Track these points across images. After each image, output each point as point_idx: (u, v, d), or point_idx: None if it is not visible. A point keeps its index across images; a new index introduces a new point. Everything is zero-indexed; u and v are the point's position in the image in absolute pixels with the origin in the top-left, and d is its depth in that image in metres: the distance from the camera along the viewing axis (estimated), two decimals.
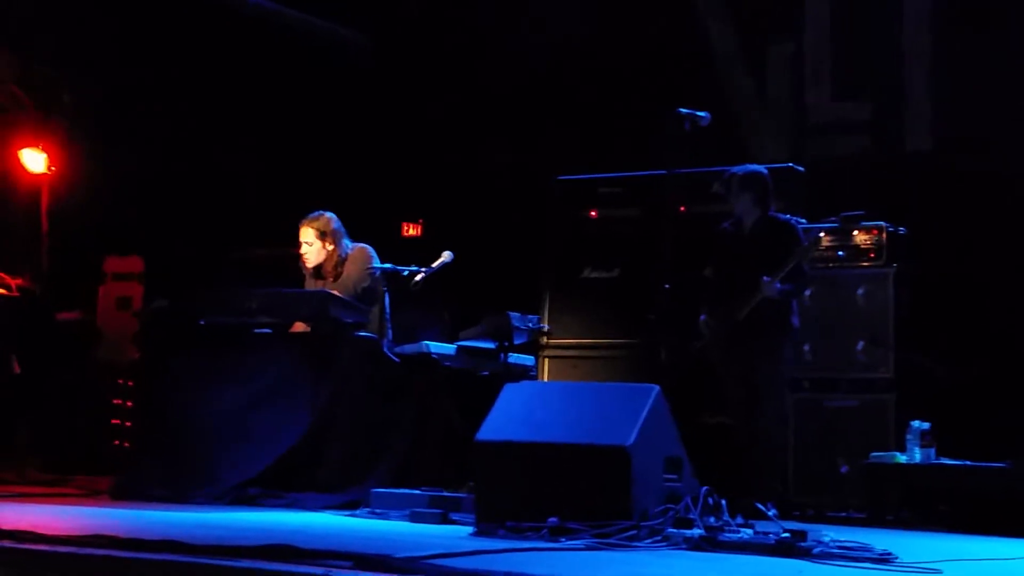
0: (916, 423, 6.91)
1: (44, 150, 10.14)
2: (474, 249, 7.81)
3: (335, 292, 7.14)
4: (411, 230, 9.72)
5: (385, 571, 3.85)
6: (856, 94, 9.03)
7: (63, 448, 9.19)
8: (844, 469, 7.35)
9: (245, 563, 3.96)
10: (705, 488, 5.27)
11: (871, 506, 6.98)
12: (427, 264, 7.17)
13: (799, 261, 6.88)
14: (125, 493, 6.81)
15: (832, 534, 5.01)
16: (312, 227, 7.42)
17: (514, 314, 7.07)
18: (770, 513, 5.71)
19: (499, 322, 7.03)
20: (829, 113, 9.11)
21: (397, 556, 4.03)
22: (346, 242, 7.47)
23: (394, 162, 10.11)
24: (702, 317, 7.13)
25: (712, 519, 5.17)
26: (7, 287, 9.15)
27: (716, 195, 7.36)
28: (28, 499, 6.53)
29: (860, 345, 7.45)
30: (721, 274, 7.14)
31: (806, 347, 7.52)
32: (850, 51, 9.07)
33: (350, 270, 7.41)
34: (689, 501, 5.16)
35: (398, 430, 6.89)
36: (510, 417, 5.58)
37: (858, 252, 7.54)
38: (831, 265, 7.52)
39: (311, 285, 7.48)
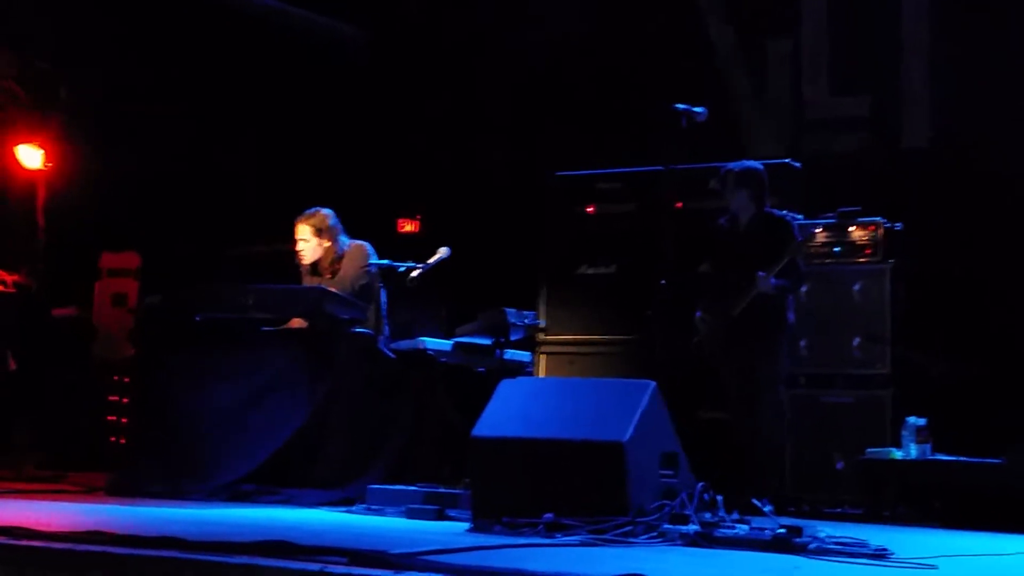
0: (912, 419, 6.92)
1: (41, 146, 10.13)
2: (471, 245, 7.80)
3: (332, 288, 7.13)
4: (408, 226, 9.72)
5: (381, 567, 3.84)
6: (854, 90, 9.02)
7: (60, 445, 9.18)
8: (840, 465, 7.35)
9: (241, 559, 3.96)
10: (701, 484, 5.28)
11: (867, 502, 7.00)
12: (423, 260, 7.16)
13: (794, 257, 6.88)
14: (121, 489, 6.81)
15: (828, 530, 5.02)
16: (308, 224, 7.41)
17: (510, 310, 7.07)
18: (766, 509, 5.70)
19: (495, 318, 7.03)
20: (826, 109, 9.11)
21: (393, 552, 4.03)
22: (343, 239, 7.46)
23: (391, 158, 10.11)
24: (698, 313, 7.13)
25: (708, 515, 5.18)
26: (3, 283, 9.15)
27: (713, 191, 7.35)
28: (25, 496, 6.52)
29: (856, 341, 7.46)
30: (717, 270, 7.14)
31: (802, 343, 7.52)
32: (848, 47, 9.06)
33: (347, 267, 7.40)
34: (685, 497, 5.16)
35: (394, 426, 6.89)
36: (506, 413, 5.58)
37: (855, 248, 7.55)
38: (828, 261, 7.52)
39: (308, 282, 7.47)
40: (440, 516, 5.92)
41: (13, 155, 10.10)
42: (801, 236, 6.99)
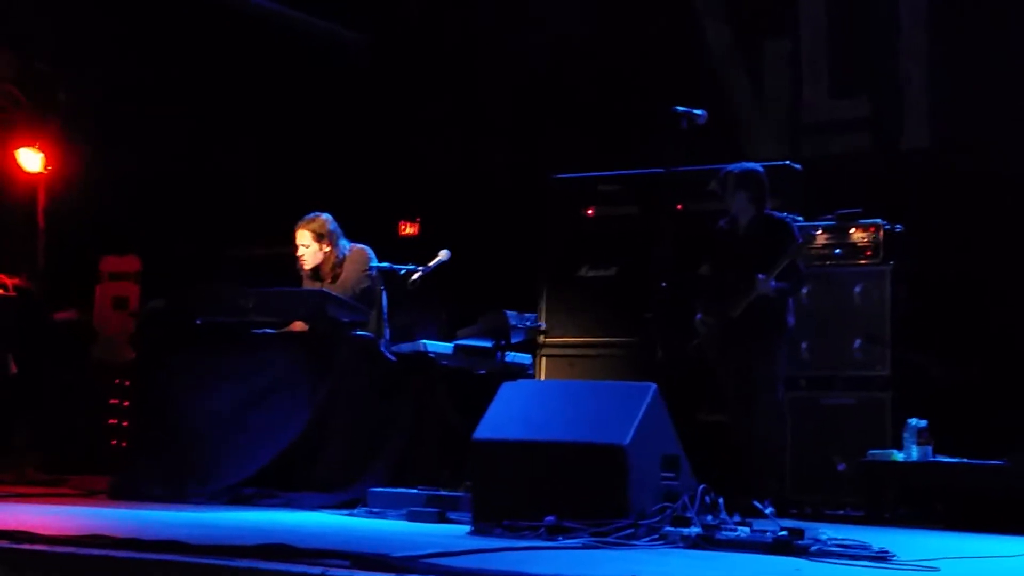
0: (913, 421, 6.91)
1: (40, 149, 10.13)
2: (471, 248, 7.81)
3: (332, 291, 7.13)
4: (408, 229, 9.72)
5: (382, 570, 3.85)
6: (853, 92, 9.02)
7: (60, 448, 9.19)
8: (841, 467, 7.35)
9: (242, 563, 3.96)
10: (702, 486, 5.27)
11: (868, 504, 6.99)
12: (424, 263, 7.16)
13: (794, 259, 6.88)
14: (122, 493, 6.81)
15: (829, 532, 5.02)
16: (308, 229, 7.41)
17: (511, 313, 7.07)
18: (767, 511, 5.71)
19: (496, 321, 7.03)
20: (826, 111, 9.11)
21: (394, 555, 4.03)
22: (343, 242, 7.45)
23: (391, 160, 10.11)
24: (698, 315, 7.13)
25: (709, 517, 5.17)
26: (3, 286, 9.14)
27: (713, 193, 7.35)
28: (25, 499, 6.53)
29: (857, 343, 7.46)
30: (717, 272, 7.14)
31: (803, 345, 7.52)
32: (847, 49, 9.06)
33: (348, 272, 7.39)
34: (686, 499, 5.16)
35: (395, 429, 6.89)
36: (507, 416, 5.58)
37: (855, 250, 7.54)
38: (828, 263, 7.51)
39: (309, 286, 7.46)
40: (441, 519, 5.93)
41: (13, 158, 10.10)
42: (801, 238, 6.99)
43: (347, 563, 3.93)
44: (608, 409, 5.39)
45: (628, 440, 5.17)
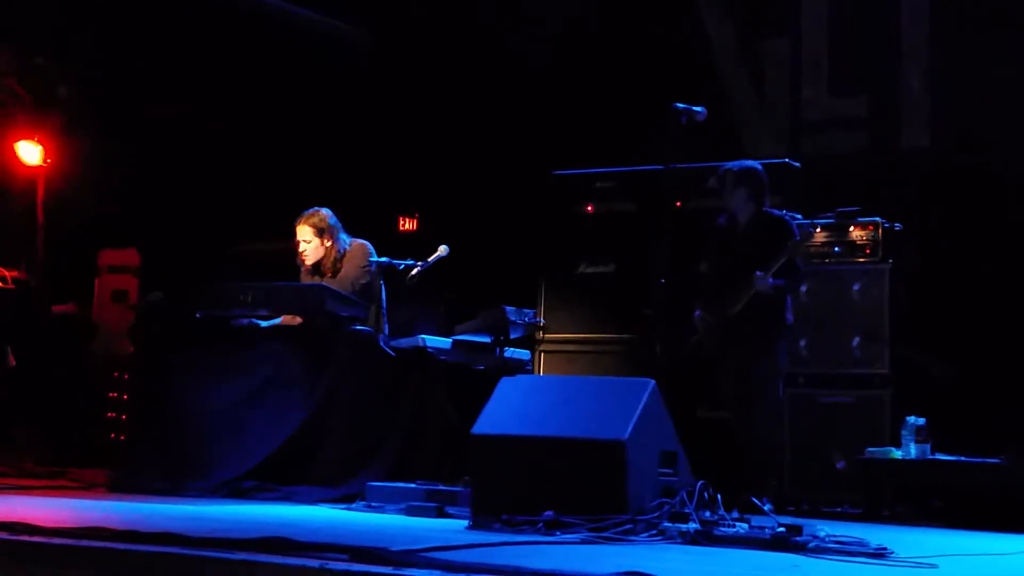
0: (912, 419, 6.92)
1: (40, 143, 10.14)
2: (470, 243, 7.81)
3: (332, 286, 7.13)
4: (407, 224, 9.72)
5: (381, 564, 3.85)
6: (853, 90, 9.03)
7: (59, 441, 9.19)
8: (840, 464, 7.36)
9: (241, 556, 3.97)
10: (701, 482, 5.28)
11: (867, 501, 6.99)
12: (423, 258, 7.16)
13: (792, 256, 6.88)
14: (121, 486, 6.82)
15: (828, 529, 5.03)
16: (309, 225, 7.40)
17: (510, 308, 7.07)
18: (765, 508, 5.71)
19: (495, 316, 7.03)
20: (826, 109, 9.11)
21: (393, 549, 4.03)
22: (343, 237, 7.45)
23: (391, 156, 10.11)
24: (697, 312, 7.13)
25: (707, 513, 5.18)
26: (2, 279, 9.15)
27: (712, 190, 7.36)
28: (24, 492, 6.53)
29: (856, 341, 7.46)
30: (716, 269, 7.14)
31: (802, 343, 7.53)
32: (847, 47, 9.06)
33: (348, 266, 7.39)
34: (685, 495, 5.17)
35: (394, 424, 6.89)
36: (506, 411, 5.59)
37: (854, 248, 7.55)
38: (827, 261, 7.51)
39: (308, 281, 7.46)
40: (440, 513, 5.93)
41: (13, 152, 10.10)
42: (800, 236, 6.99)
43: (346, 556, 3.93)
44: (607, 405, 5.40)
45: (627, 436, 5.17)
